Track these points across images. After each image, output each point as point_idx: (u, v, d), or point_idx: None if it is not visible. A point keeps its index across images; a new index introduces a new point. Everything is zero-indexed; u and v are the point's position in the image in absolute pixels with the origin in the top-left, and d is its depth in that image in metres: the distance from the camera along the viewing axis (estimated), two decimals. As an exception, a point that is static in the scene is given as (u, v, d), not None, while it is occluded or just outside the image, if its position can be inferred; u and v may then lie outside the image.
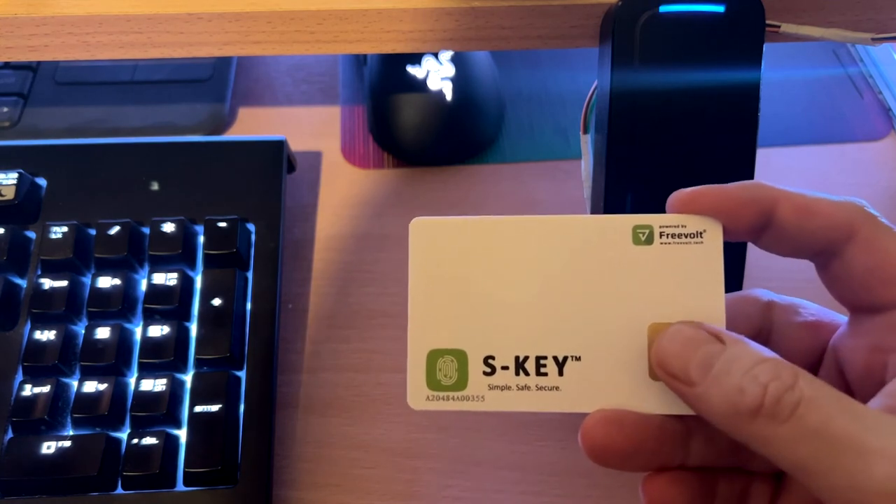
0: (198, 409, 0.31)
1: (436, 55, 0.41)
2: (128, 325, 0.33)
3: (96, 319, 0.33)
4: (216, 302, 0.33)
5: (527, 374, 0.24)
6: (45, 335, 0.32)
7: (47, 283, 0.33)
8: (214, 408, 0.31)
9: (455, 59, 0.42)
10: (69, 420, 0.31)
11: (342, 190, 0.41)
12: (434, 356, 0.24)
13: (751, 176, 0.29)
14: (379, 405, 0.34)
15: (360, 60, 0.46)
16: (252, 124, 0.44)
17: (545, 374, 0.23)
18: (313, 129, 0.43)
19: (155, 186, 0.37)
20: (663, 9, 0.28)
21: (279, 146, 0.38)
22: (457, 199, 0.41)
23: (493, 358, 0.24)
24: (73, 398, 0.31)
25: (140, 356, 0.32)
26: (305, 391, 0.34)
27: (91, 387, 0.31)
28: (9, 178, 0.35)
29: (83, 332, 0.33)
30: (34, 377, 0.32)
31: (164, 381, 0.31)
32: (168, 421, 0.31)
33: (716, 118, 0.29)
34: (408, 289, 0.24)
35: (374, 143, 0.43)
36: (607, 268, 0.23)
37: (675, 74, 0.28)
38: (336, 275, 0.38)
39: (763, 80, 0.28)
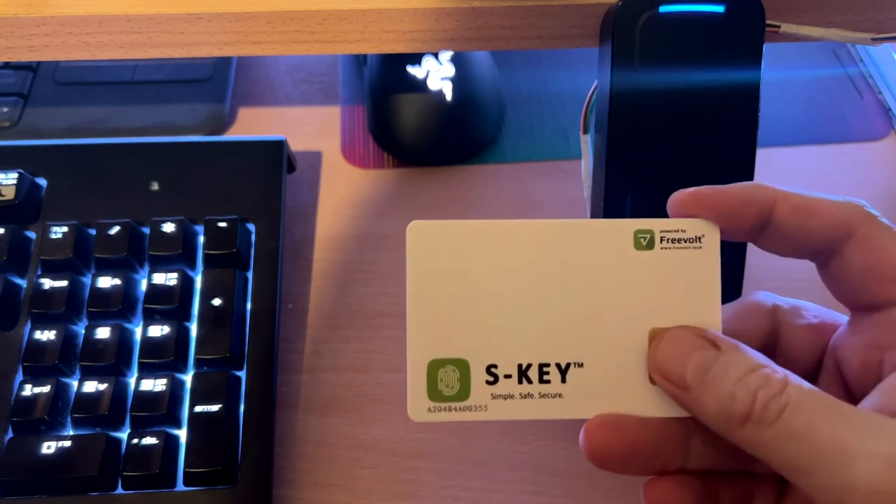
0: (198, 409, 0.31)
1: (436, 55, 0.41)
2: (128, 325, 0.33)
3: (96, 319, 0.33)
4: (216, 302, 0.33)
5: (530, 382, 0.23)
6: (46, 335, 0.32)
7: (47, 283, 0.33)
8: (214, 408, 0.31)
9: (455, 59, 0.42)
10: (69, 420, 0.31)
11: (342, 190, 0.41)
12: (435, 366, 0.23)
13: (751, 176, 0.29)
14: (379, 405, 0.34)
15: (360, 60, 0.46)
16: (252, 124, 0.44)
17: (548, 382, 0.23)
18: (313, 129, 0.43)
19: (155, 186, 0.37)
20: (663, 9, 0.28)
21: (279, 146, 0.38)
22: (457, 199, 0.41)
23: (495, 366, 0.23)
24: (73, 398, 0.31)
25: (140, 356, 0.32)
26: (305, 391, 0.34)
27: (91, 387, 0.31)
28: (9, 178, 0.35)
29: (83, 332, 0.33)
30: (34, 377, 0.32)
31: (164, 381, 0.32)
32: (168, 421, 0.31)
33: (716, 118, 0.29)
34: (406, 295, 0.23)
35: (374, 143, 0.43)
36: (608, 272, 0.23)
37: (675, 74, 0.28)
38: (336, 275, 0.38)
39: (763, 80, 0.28)
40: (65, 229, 0.34)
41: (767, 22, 0.28)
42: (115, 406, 0.31)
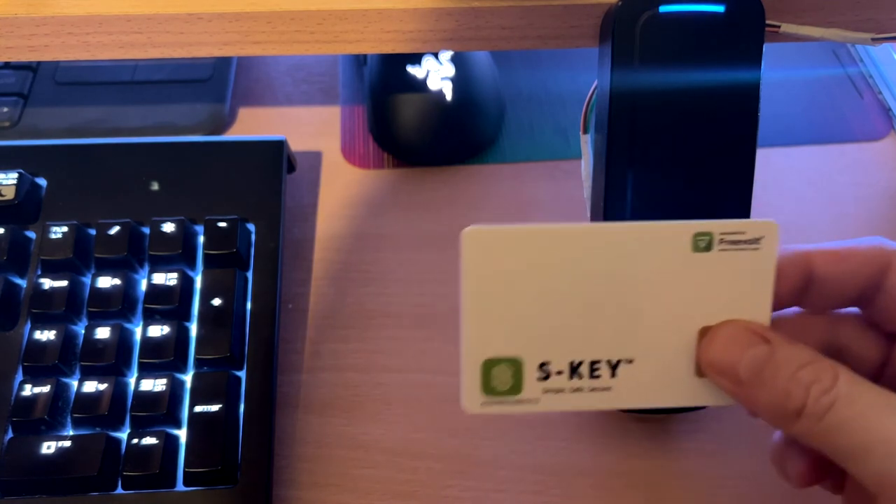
0: (198, 408, 0.31)
1: (436, 55, 0.41)
2: (128, 325, 0.33)
3: (96, 319, 0.33)
4: (216, 302, 0.33)
5: (580, 377, 0.24)
6: (45, 335, 0.32)
7: (47, 283, 0.33)
8: (214, 408, 0.31)
9: (455, 59, 0.42)
10: (69, 420, 0.31)
11: (342, 190, 0.41)
12: (489, 364, 0.24)
13: (751, 176, 0.29)
14: (379, 405, 0.34)
15: (360, 60, 0.46)
16: (252, 124, 0.44)
17: (598, 377, 0.24)
18: (313, 129, 0.43)
19: (155, 186, 0.37)
20: (663, 9, 0.28)
21: (279, 146, 0.38)
22: (457, 200, 0.41)
23: (547, 364, 0.24)
24: (73, 398, 0.31)
25: (140, 356, 0.32)
26: (305, 391, 0.34)
27: (91, 387, 0.31)
28: (9, 178, 0.35)
29: (83, 331, 0.33)
30: (34, 377, 0.32)
31: (164, 380, 0.32)
32: (168, 421, 0.31)
33: (716, 118, 0.29)
34: (461, 299, 0.23)
35: (374, 143, 0.43)
36: (663, 274, 0.24)
37: (675, 74, 0.28)
38: (336, 275, 0.38)
39: (763, 80, 0.28)
40: (65, 229, 0.34)
41: (767, 22, 0.28)
42: (115, 406, 0.31)
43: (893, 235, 0.26)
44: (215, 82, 0.44)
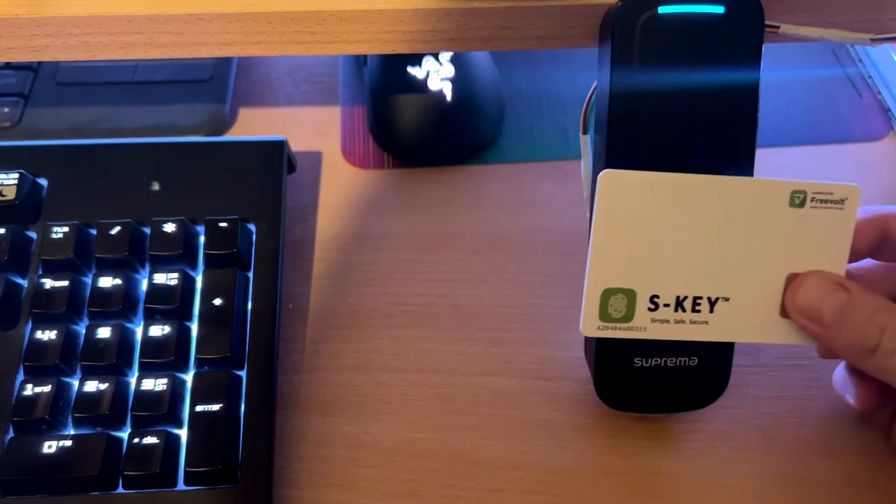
0: (198, 408, 0.31)
1: (436, 55, 0.42)
2: (129, 325, 0.33)
3: (97, 319, 0.33)
4: (217, 302, 0.33)
5: (684, 311, 0.28)
6: (46, 335, 0.32)
7: (48, 282, 0.33)
8: (215, 407, 0.31)
9: (455, 60, 0.42)
10: (70, 419, 0.31)
11: (342, 190, 0.41)
12: (608, 294, 0.28)
13: (750, 176, 0.29)
14: (379, 405, 0.34)
15: (360, 61, 0.46)
16: (252, 125, 0.44)
17: (699, 311, 0.28)
18: (313, 130, 0.43)
19: (156, 187, 0.37)
20: (662, 10, 0.28)
21: (279, 146, 0.38)
22: (457, 200, 0.41)
23: (657, 297, 0.28)
24: (73, 398, 0.31)
25: (141, 356, 0.32)
26: (305, 391, 0.35)
27: (92, 386, 0.31)
28: (10, 179, 0.35)
29: (84, 331, 0.33)
30: (35, 377, 0.32)
31: (164, 380, 0.32)
32: (169, 420, 0.31)
33: (715, 118, 0.29)
34: (590, 235, 0.27)
35: (374, 144, 0.43)
36: (762, 224, 0.27)
37: (675, 75, 0.28)
38: (336, 275, 0.38)
39: (763, 81, 0.28)
40: (66, 229, 0.34)
41: (767, 22, 0.28)
42: (115, 405, 0.31)
43: (892, 236, 0.27)
44: (216, 83, 0.44)
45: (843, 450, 0.33)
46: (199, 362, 0.32)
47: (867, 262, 0.31)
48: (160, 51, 0.33)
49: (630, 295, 0.28)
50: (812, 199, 0.27)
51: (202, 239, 0.35)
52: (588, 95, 0.31)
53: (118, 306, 0.33)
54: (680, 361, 0.31)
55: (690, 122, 0.29)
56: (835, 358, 0.31)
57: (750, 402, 0.34)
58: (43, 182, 0.37)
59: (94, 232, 0.35)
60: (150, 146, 0.38)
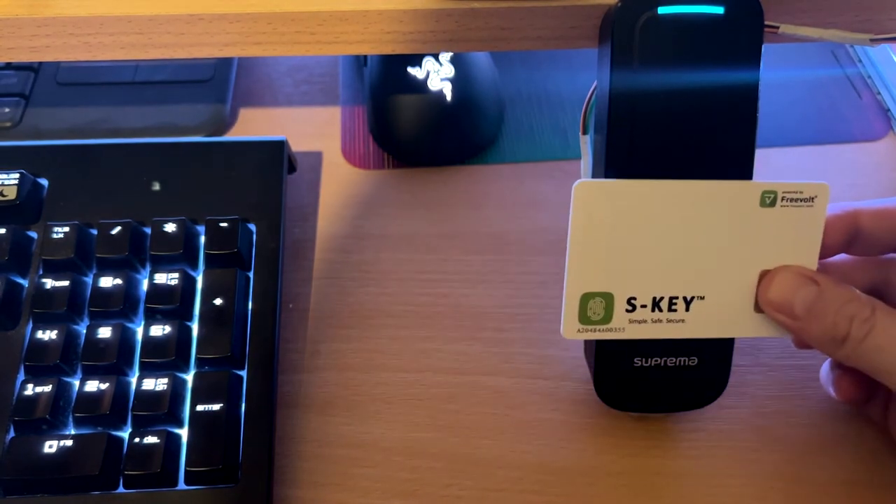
0: (199, 408, 0.31)
1: (436, 56, 0.42)
2: (129, 325, 0.33)
3: (98, 319, 0.33)
4: (217, 301, 0.33)
5: (661, 310, 0.29)
6: (47, 335, 0.32)
7: (49, 282, 0.33)
8: (215, 407, 0.31)
9: (455, 60, 0.42)
10: (71, 419, 0.31)
11: (342, 190, 0.41)
12: (586, 298, 0.29)
13: (750, 176, 0.29)
14: (379, 405, 0.34)
15: (360, 61, 0.46)
16: (253, 125, 0.44)
17: (675, 311, 0.29)
18: (314, 130, 0.43)
19: (156, 187, 0.37)
20: (662, 10, 0.28)
21: (280, 146, 0.38)
22: (457, 199, 0.41)
23: (634, 299, 0.29)
24: (74, 397, 0.31)
25: (141, 355, 0.32)
26: (306, 391, 0.35)
27: (93, 386, 0.31)
28: (10, 179, 0.35)
29: (85, 331, 0.33)
30: (36, 376, 0.32)
31: (165, 380, 0.32)
32: (169, 420, 0.31)
33: (715, 119, 0.29)
34: (567, 242, 0.28)
35: (374, 144, 0.43)
36: (733, 224, 0.28)
37: (675, 76, 0.28)
38: (336, 275, 0.38)
39: (762, 81, 0.28)
40: (66, 229, 0.34)
41: (766, 23, 0.28)
42: (116, 405, 0.31)
43: (891, 236, 0.27)
44: (216, 83, 0.44)
45: (843, 449, 0.33)
46: (200, 362, 0.32)
47: (842, 256, 0.31)
48: (160, 51, 0.34)
49: (608, 298, 0.29)
50: (782, 199, 0.28)
51: (202, 239, 0.35)
52: (588, 95, 0.31)
53: (119, 306, 0.33)
54: (680, 361, 0.31)
55: (690, 123, 0.29)
56: (809, 348, 0.31)
57: (750, 402, 0.34)
58: (43, 182, 0.37)
59: (94, 232, 0.35)
60: (150, 146, 0.38)
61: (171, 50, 0.33)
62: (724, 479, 0.32)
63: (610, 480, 0.32)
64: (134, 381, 0.32)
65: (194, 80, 0.44)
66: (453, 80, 0.41)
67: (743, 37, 0.28)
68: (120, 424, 0.31)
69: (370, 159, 0.42)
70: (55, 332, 0.32)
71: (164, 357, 0.32)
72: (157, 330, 0.33)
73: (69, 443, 0.30)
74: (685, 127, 0.29)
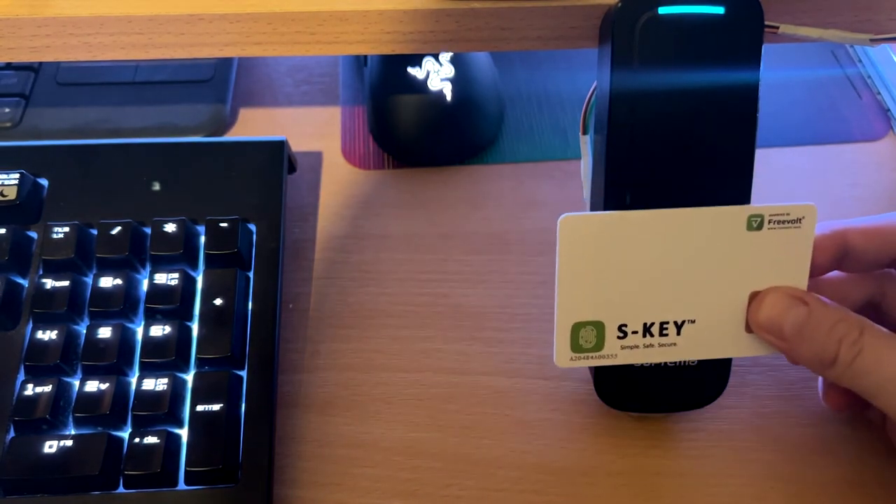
0: (199, 408, 0.31)
1: (436, 56, 0.42)
2: (129, 325, 0.33)
3: (98, 319, 0.33)
4: (217, 302, 0.33)
5: (652, 335, 0.29)
6: (47, 335, 0.32)
7: (49, 282, 0.33)
8: (216, 407, 0.31)
9: (455, 60, 0.42)
10: (71, 419, 0.31)
11: (342, 190, 0.41)
12: (577, 327, 0.29)
13: (749, 176, 0.29)
14: (379, 405, 0.34)
15: (360, 61, 0.46)
16: (253, 125, 0.44)
17: (666, 335, 0.29)
18: (314, 130, 0.43)
19: (156, 187, 0.37)
20: (662, 10, 0.28)
21: (280, 147, 0.38)
22: (457, 199, 0.41)
23: (625, 325, 0.29)
24: (74, 397, 0.31)
25: (141, 356, 0.32)
26: (306, 391, 0.35)
27: (93, 386, 0.31)
28: (10, 179, 0.35)
29: (85, 331, 0.33)
30: (36, 376, 0.32)
31: (165, 380, 0.32)
32: (169, 420, 0.31)
33: (715, 119, 0.29)
34: (556, 274, 0.28)
35: (374, 144, 0.43)
36: (721, 248, 0.28)
37: (675, 76, 0.28)
38: (336, 275, 0.38)
39: (762, 81, 0.28)
40: (66, 229, 0.34)
41: (766, 23, 0.28)
42: (116, 405, 0.31)
43: (891, 236, 0.27)
44: (216, 83, 0.44)
45: (843, 450, 0.33)
46: (200, 362, 0.32)
47: (836, 273, 0.31)
48: (161, 51, 0.34)
49: (598, 326, 0.29)
50: (769, 222, 0.28)
51: (203, 239, 0.35)
52: (588, 96, 0.31)
53: (119, 306, 0.33)
54: (680, 362, 0.31)
55: (690, 123, 0.29)
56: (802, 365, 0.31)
57: (750, 402, 0.34)
58: (44, 182, 0.37)
59: (94, 232, 0.35)
60: (150, 146, 0.38)
61: (171, 50, 0.33)
62: (724, 479, 0.32)
63: (610, 480, 0.32)
64: (134, 381, 0.32)
65: (194, 80, 0.44)
66: (453, 80, 0.41)
67: (743, 37, 0.28)
68: (120, 424, 0.31)
69: (370, 159, 0.42)
70: (55, 332, 0.32)
71: (164, 357, 0.32)
72: (157, 330, 0.33)
73: (69, 443, 0.30)
74: (685, 127, 0.29)
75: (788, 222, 0.28)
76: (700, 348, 0.30)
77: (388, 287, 0.38)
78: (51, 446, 0.30)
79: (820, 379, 0.33)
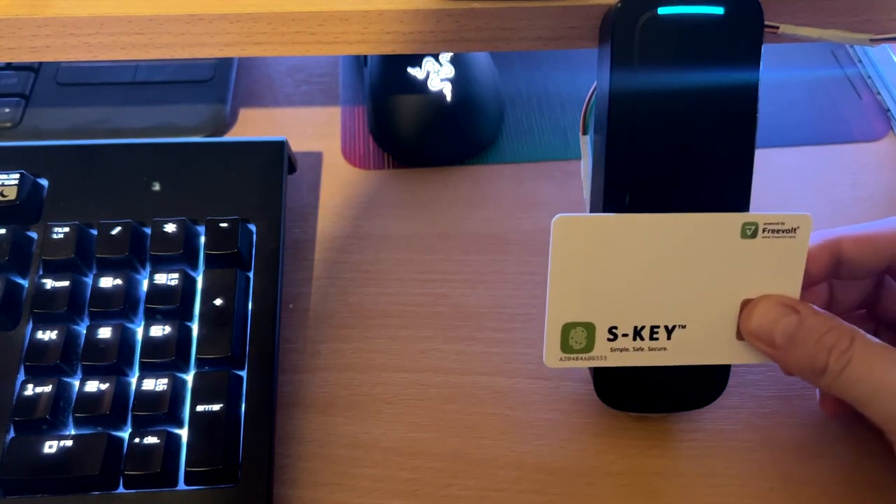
0: (199, 408, 0.31)
1: (436, 56, 0.42)
2: (129, 325, 0.33)
3: (98, 319, 0.33)
4: (217, 302, 0.33)
5: (642, 339, 0.29)
6: (47, 335, 0.32)
7: (49, 283, 0.33)
8: (216, 407, 0.31)
9: (455, 60, 0.42)
10: (71, 419, 0.31)
11: (342, 190, 0.41)
12: (568, 328, 0.29)
13: (749, 177, 0.29)
14: (379, 404, 0.34)
15: (360, 61, 0.46)
16: (253, 125, 0.44)
17: (657, 339, 0.29)
18: (314, 130, 0.43)
19: (156, 187, 0.37)
20: (662, 11, 0.28)
21: (280, 147, 0.38)
22: (457, 200, 0.41)
23: (616, 328, 0.29)
24: (74, 398, 0.31)
25: (141, 356, 0.32)
26: (306, 391, 0.35)
27: (93, 386, 0.31)
28: (11, 179, 0.35)
29: (85, 331, 0.33)
30: (36, 377, 0.32)
31: (165, 380, 0.32)
32: (169, 420, 0.31)
33: (715, 119, 0.29)
34: (549, 274, 0.28)
35: (374, 144, 0.43)
36: (715, 255, 0.28)
37: (675, 76, 0.28)
38: (336, 275, 0.38)
39: (762, 81, 0.28)
40: (66, 229, 0.34)
41: (766, 23, 0.28)
42: (116, 405, 0.31)
43: (891, 236, 0.27)
44: (216, 83, 0.44)
45: (843, 450, 0.33)
46: (200, 362, 0.32)
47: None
48: (161, 51, 0.34)
49: (589, 328, 0.29)
50: (763, 230, 0.28)
51: (203, 239, 0.35)
52: (588, 96, 0.31)
53: (119, 306, 0.33)
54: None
55: (690, 123, 0.29)
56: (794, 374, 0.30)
57: (750, 402, 0.34)
58: (44, 182, 0.37)
59: (94, 232, 0.35)
60: (150, 146, 0.38)
61: (171, 50, 0.33)
62: (724, 479, 0.32)
63: (610, 480, 0.32)
64: (134, 381, 0.32)
65: (194, 81, 0.44)
66: (453, 81, 0.41)
67: (743, 37, 0.28)
68: (120, 424, 0.31)
69: (370, 159, 0.42)
70: (55, 332, 0.32)
71: (164, 357, 0.32)
72: (157, 330, 0.33)
73: (69, 443, 0.30)
74: (685, 127, 0.29)
75: (783, 232, 0.28)
76: (690, 354, 0.29)
77: (388, 287, 0.38)
78: (51, 446, 0.30)
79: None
